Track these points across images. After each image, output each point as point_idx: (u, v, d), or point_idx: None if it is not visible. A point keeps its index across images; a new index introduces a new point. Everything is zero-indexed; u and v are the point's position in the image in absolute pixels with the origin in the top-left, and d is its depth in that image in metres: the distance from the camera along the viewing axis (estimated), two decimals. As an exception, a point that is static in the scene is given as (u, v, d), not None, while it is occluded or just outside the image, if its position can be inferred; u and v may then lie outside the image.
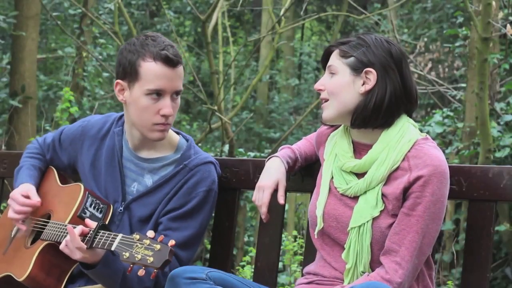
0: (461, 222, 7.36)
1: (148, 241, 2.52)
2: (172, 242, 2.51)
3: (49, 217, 3.02)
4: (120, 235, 2.61)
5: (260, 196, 2.77)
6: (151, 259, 2.48)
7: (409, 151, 2.56)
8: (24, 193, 3.03)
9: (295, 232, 5.99)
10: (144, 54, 2.86)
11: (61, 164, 3.19)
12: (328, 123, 2.71)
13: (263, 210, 2.76)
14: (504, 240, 7.37)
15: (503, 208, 6.95)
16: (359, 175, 2.62)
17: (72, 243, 2.71)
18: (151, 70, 2.85)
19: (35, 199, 3.02)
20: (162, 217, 2.93)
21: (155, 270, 2.50)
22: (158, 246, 2.49)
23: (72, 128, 3.18)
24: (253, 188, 2.86)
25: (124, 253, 2.53)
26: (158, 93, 2.86)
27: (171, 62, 2.85)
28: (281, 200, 2.77)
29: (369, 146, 2.63)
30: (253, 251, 5.68)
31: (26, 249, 3.00)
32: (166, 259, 2.47)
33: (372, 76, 2.58)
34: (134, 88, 2.89)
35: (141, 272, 2.49)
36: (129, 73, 2.89)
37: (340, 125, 2.76)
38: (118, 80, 2.93)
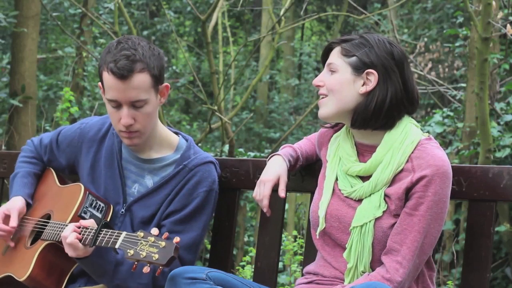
0: (461, 222, 7.37)
1: (152, 239, 2.52)
2: (177, 239, 2.50)
3: (49, 218, 3.01)
4: (124, 233, 2.62)
5: (261, 189, 2.75)
6: (157, 256, 2.48)
7: (412, 152, 2.55)
8: (7, 212, 3.01)
9: (295, 232, 5.97)
10: (104, 62, 2.84)
11: (59, 165, 3.18)
12: (325, 120, 2.69)
13: (264, 202, 2.74)
14: (504, 240, 7.37)
15: (503, 208, 6.95)
16: (364, 178, 2.61)
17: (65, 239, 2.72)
18: (106, 80, 2.84)
19: (12, 225, 2.99)
20: (164, 219, 2.92)
21: (160, 267, 2.50)
22: (163, 243, 2.50)
23: (70, 130, 3.16)
24: (253, 188, 2.85)
25: (128, 250, 2.54)
26: (116, 102, 2.84)
27: (118, 75, 2.80)
28: (282, 193, 2.75)
29: (372, 148, 2.62)
30: (253, 251, 5.67)
31: (26, 249, 2.99)
32: (171, 256, 2.48)
33: (373, 77, 2.57)
34: (104, 93, 2.89)
35: (146, 269, 2.49)
36: (100, 77, 2.89)
37: (341, 125, 2.76)
38: (99, 83, 2.93)
